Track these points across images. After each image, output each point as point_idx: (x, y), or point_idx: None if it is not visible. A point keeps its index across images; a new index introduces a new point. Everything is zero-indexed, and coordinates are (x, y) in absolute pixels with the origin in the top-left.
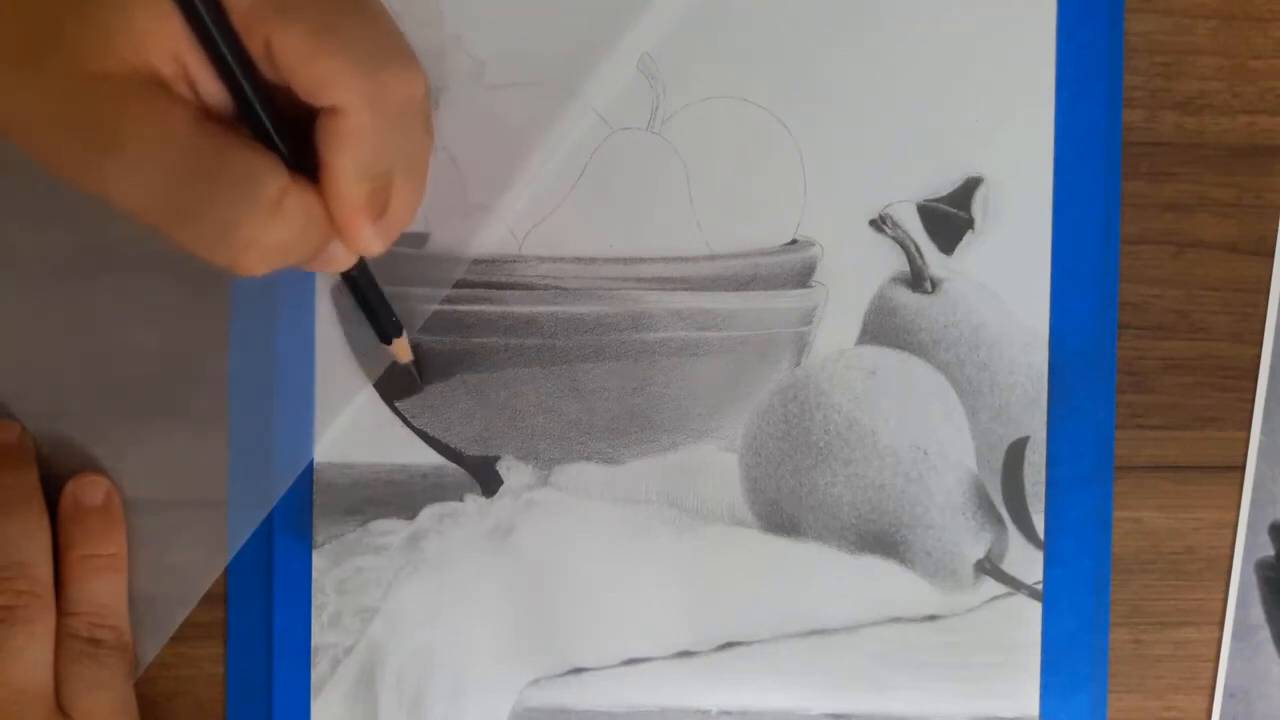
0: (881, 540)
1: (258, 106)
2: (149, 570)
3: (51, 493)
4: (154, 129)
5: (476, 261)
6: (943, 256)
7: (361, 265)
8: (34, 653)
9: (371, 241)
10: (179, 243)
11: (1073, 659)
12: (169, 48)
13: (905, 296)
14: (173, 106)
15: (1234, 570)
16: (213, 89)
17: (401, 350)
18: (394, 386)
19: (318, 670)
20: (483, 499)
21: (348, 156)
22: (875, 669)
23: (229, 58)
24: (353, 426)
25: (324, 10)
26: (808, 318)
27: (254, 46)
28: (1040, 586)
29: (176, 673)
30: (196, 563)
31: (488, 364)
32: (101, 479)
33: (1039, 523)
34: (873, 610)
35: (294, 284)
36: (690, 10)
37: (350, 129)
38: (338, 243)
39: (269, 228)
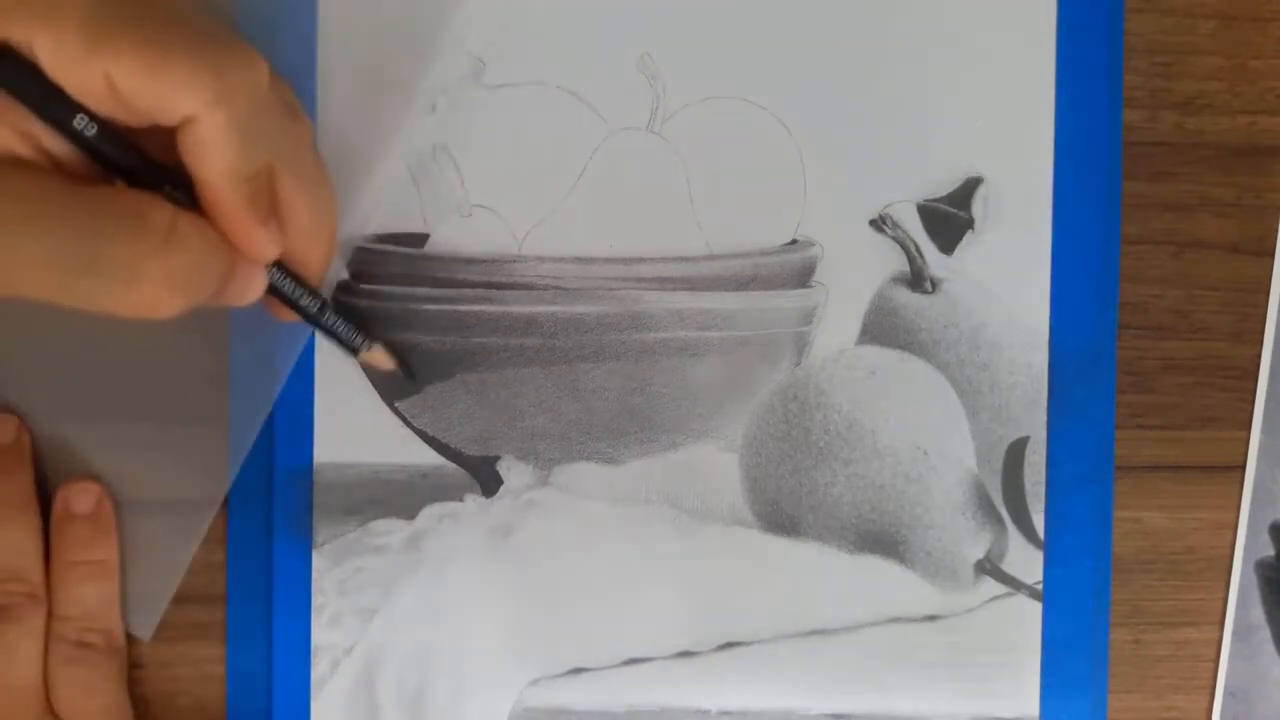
0: (881, 540)
1: (112, 148)
2: (146, 572)
3: (49, 492)
4: (29, 203)
5: (476, 261)
6: (943, 256)
7: (300, 286)
8: (26, 649)
9: (266, 244)
10: (85, 303)
11: (1073, 659)
12: (15, 127)
13: (905, 296)
14: (40, 176)
15: (1234, 570)
16: (72, 154)
17: (377, 360)
18: (392, 387)
19: (318, 670)
20: (483, 499)
21: (213, 162)
22: (875, 669)
23: (66, 115)
24: (353, 426)
25: (146, 27)
26: (808, 318)
27: (96, 87)
28: (1040, 586)
29: (176, 673)
30: (195, 562)
31: (488, 364)
32: (93, 485)
33: (1039, 523)
34: (873, 610)
35: None
36: (690, 10)
37: (207, 134)
38: (245, 264)
39: (168, 256)
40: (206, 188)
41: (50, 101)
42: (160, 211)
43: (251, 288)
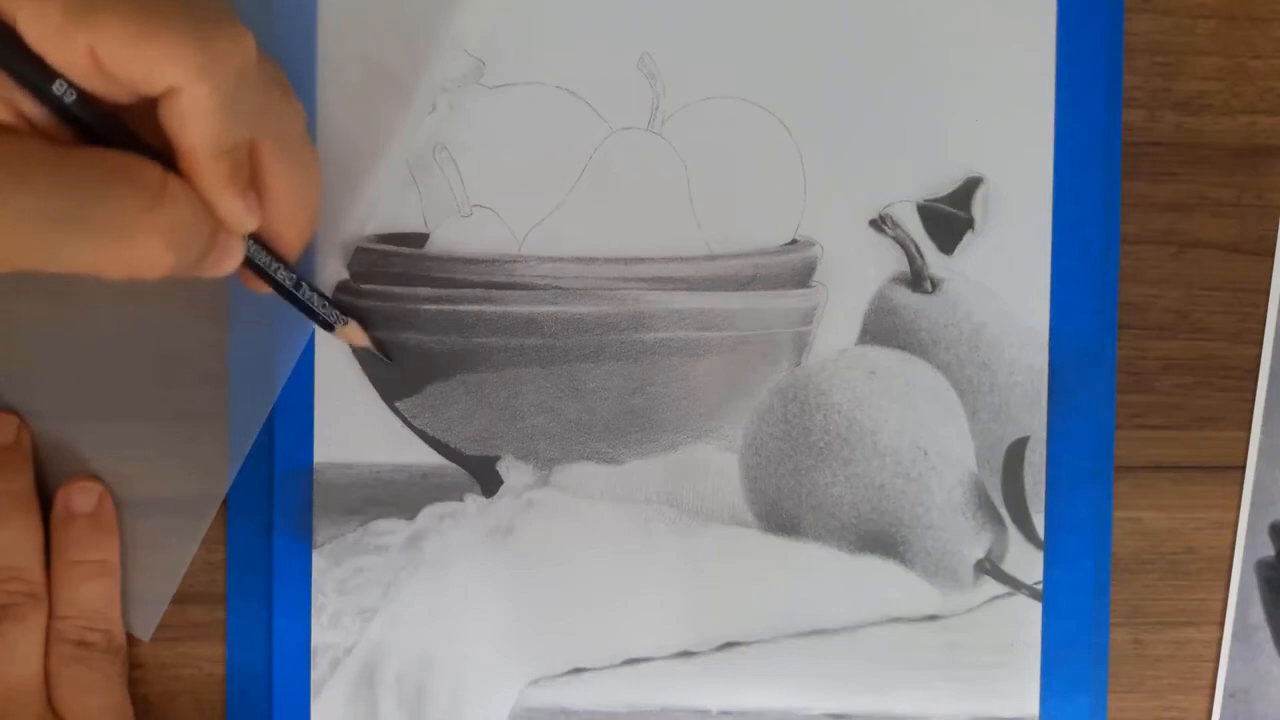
0: (881, 540)
1: (91, 116)
2: (146, 572)
3: (48, 492)
4: (15, 163)
5: (476, 261)
6: (943, 256)
7: (274, 260)
8: (26, 648)
9: (245, 216)
10: (78, 263)
11: (1073, 659)
12: None
13: (905, 296)
14: (23, 139)
15: (1234, 570)
16: (52, 123)
17: (352, 336)
18: (392, 387)
19: (318, 670)
20: (483, 499)
21: (194, 133)
22: (875, 669)
23: (45, 81)
24: (353, 426)
25: (133, 1)
26: (808, 318)
27: (78, 60)
28: (1040, 586)
29: (176, 673)
30: (195, 562)
31: (488, 364)
32: (94, 484)
33: (1039, 523)
34: (873, 610)
35: None
36: (690, 10)
37: (190, 105)
38: (224, 233)
39: (160, 212)
40: (187, 158)
41: (29, 67)
42: (150, 169)
43: (229, 258)
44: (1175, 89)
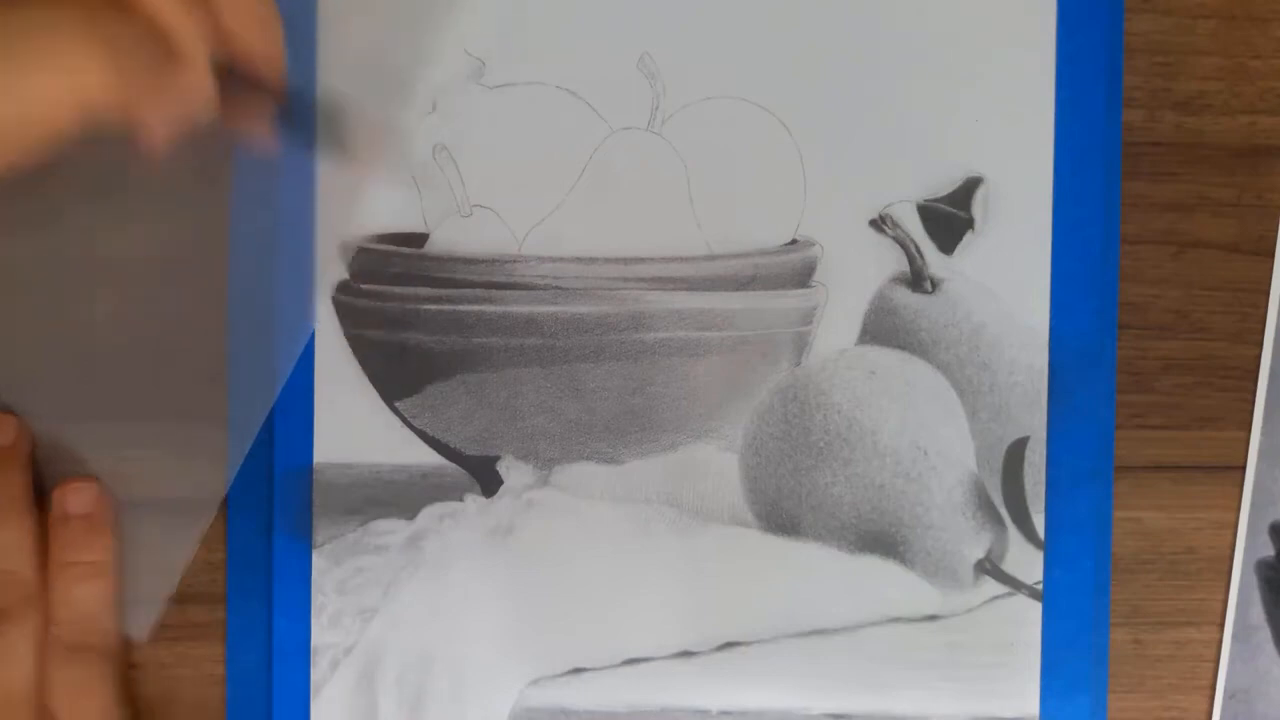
0: (881, 540)
1: None
2: (145, 572)
3: (47, 491)
4: None
5: (476, 261)
6: (943, 256)
7: (260, 85)
8: (22, 651)
9: (192, 26)
10: (16, 93)
11: (1073, 659)
12: None
13: (905, 296)
14: None
15: (1234, 570)
16: None
17: (368, 150)
18: (392, 387)
19: (318, 670)
20: (483, 499)
21: None
22: (875, 669)
23: None
24: (353, 426)
25: None
26: (808, 318)
27: None
28: (1040, 586)
29: (176, 673)
30: (195, 562)
31: (488, 364)
32: (90, 485)
33: (1039, 523)
34: (873, 610)
35: (293, 283)
36: (690, 10)
37: None
38: (185, 55)
39: (96, 26)
40: None
41: None
42: None
43: (195, 81)
44: (1175, 89)
